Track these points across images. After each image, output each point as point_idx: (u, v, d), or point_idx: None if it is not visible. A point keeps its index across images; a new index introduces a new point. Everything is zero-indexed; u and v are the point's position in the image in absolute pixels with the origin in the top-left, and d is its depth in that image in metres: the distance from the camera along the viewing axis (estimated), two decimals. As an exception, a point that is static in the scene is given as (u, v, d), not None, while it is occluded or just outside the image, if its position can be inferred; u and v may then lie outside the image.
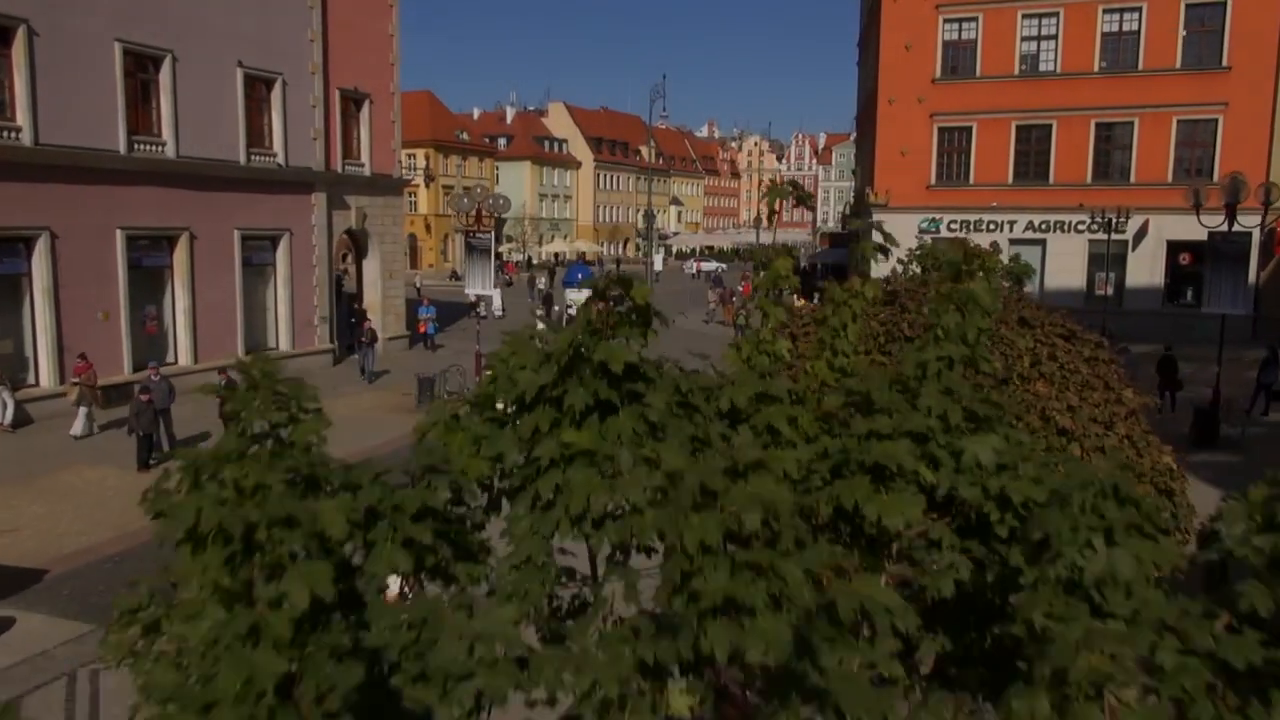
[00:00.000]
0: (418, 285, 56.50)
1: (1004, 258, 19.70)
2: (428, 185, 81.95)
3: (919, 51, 38.01)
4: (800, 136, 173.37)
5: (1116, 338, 33.60)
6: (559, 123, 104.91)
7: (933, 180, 38.56)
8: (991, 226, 37.87)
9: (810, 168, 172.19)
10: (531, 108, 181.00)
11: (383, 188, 30.09)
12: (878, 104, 39.18)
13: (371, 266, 30.13)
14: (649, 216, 60.90)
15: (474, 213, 24.81)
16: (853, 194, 64.28)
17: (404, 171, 33.52)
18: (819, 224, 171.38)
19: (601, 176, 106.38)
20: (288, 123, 25.58)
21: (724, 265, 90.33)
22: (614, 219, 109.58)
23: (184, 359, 23.26)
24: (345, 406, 22.47)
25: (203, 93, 23.06)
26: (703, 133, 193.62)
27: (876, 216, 39.26)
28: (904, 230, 37.08)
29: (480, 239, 24.60)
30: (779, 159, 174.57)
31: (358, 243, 30.05)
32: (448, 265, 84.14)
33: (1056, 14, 36.30)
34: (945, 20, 37.68)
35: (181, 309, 23.03)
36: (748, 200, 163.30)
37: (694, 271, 79.61)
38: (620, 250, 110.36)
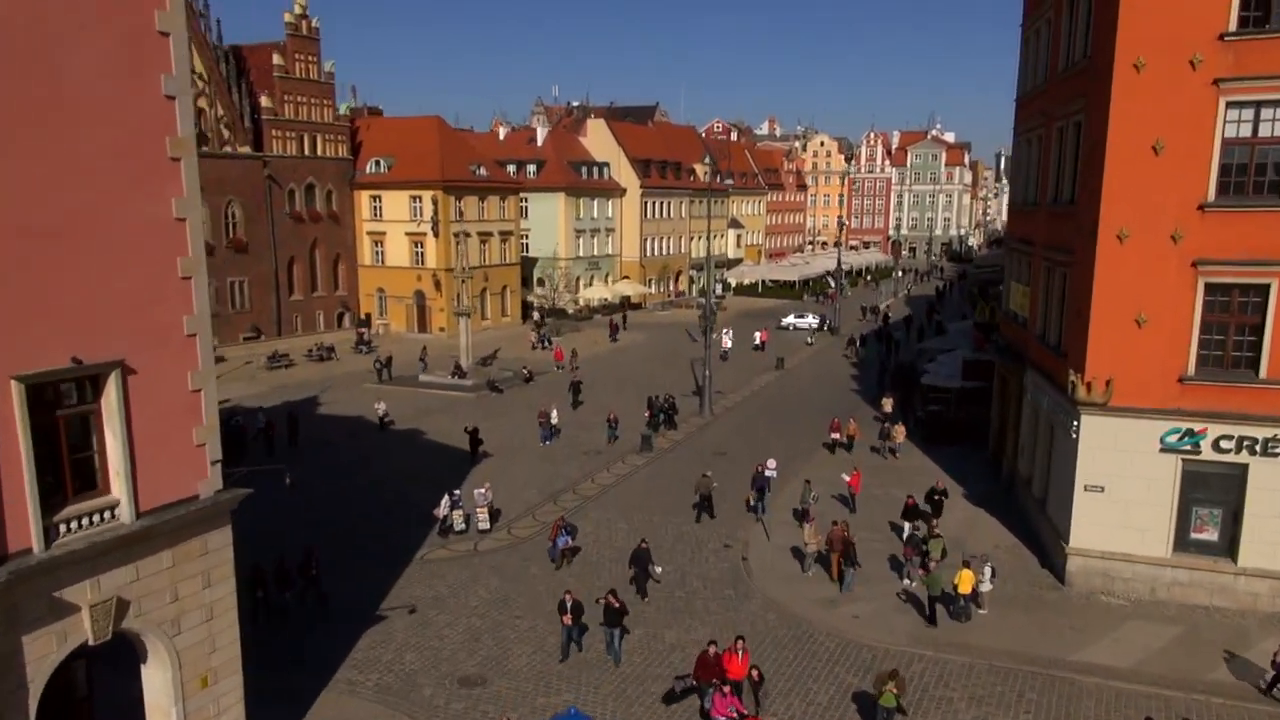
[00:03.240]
0: (380, 410, 41.79)
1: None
2: (435, 235, 67.42)
3: (1177, 154, 22.33)
4: (872, 136, 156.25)
5: None
6: (599, 143, 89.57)
7: (1190, 369, 22.92)
8: (1299, 455, 22.26)
9: (883, 169, 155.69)
10: (575, 103, 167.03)
11: (173, 531, 15.32)
12: (1095, 234, 23.59)
13: (158, 682, 15.16)
14: (708, 310, 45.60)
15: None
16: (989, 302, 47.94)
17: (219, 488, 16.89)
18: (890, 233, 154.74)
19: (649, 204, 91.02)
20: None
21: (810, 318, 74.41)
22: (663, 251, 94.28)
23: None
24: None
25: None
26: (762, 130, 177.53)
27: (1089, 420, 23.74)
28: (1137, 444, 20.39)
29: None
30: (848, 160, 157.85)
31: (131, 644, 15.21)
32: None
33: None
34: (1230, 104, 21.84)
35: None
36: (812, 208, 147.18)
37: (759, 343, 64.20)
38: (671, 288, 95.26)
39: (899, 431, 35.56)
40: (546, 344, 64.11)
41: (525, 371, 52.46)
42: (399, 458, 37.20)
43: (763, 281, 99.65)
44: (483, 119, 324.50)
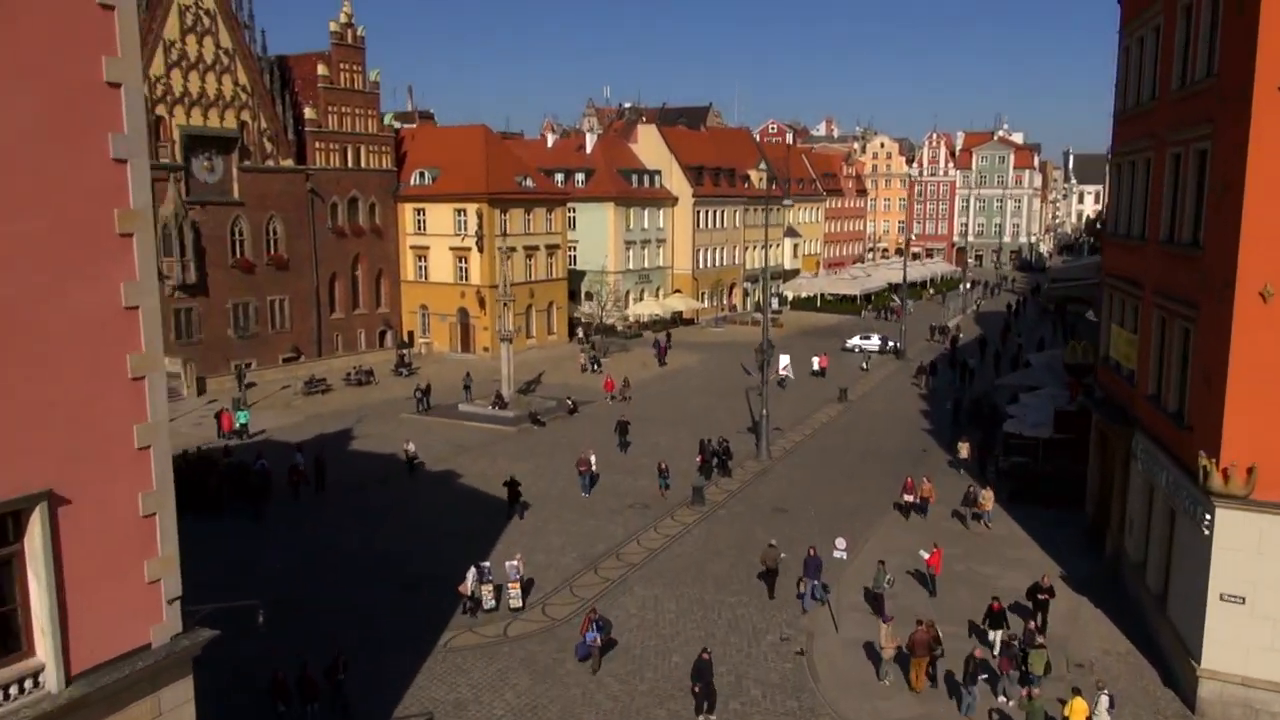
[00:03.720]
0: (409, 450, 39.09)
1: None
2: (480, 250, 64.77)
3: (1342, 203, 18.55)
4: (934, 137, 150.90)
5: None
6: (650, 149, 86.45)
7: (1358, 458, 19.09)
8: None
9: (946, 173, 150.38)
10: (627, 104, 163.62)
11: (116, 694, 12.40)
12: (1229, 290, 19.85)
13: None
14: (764, 344, 42.33)
15: None
16: (1080, 339, 43.54)
17: (178, 630, 12.91)
18: (955, 239, 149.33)
19: (701, 213, 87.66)
20: None
21: (875, 339, 69.91)
22: (716, 262, 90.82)
23: None
24: None
25: None
26: (819, 130, 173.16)
27: (1226, 514, 20.03)
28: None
29: None
30: (909, 162, 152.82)
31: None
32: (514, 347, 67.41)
33: None
34: None
35: None
36: (872, 213, 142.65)
37: (818, 369, 60.58)
38: (724, 301, 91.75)
39: (987, 498, 31.64)
40: (596, 367, 61.20)
41: (569, 402, 49.48)
42: (430, 509, 34.42)
43: (821, 295, 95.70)
44: (533, 122, 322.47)
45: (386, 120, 68.38)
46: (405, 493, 36.37)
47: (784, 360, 57.57)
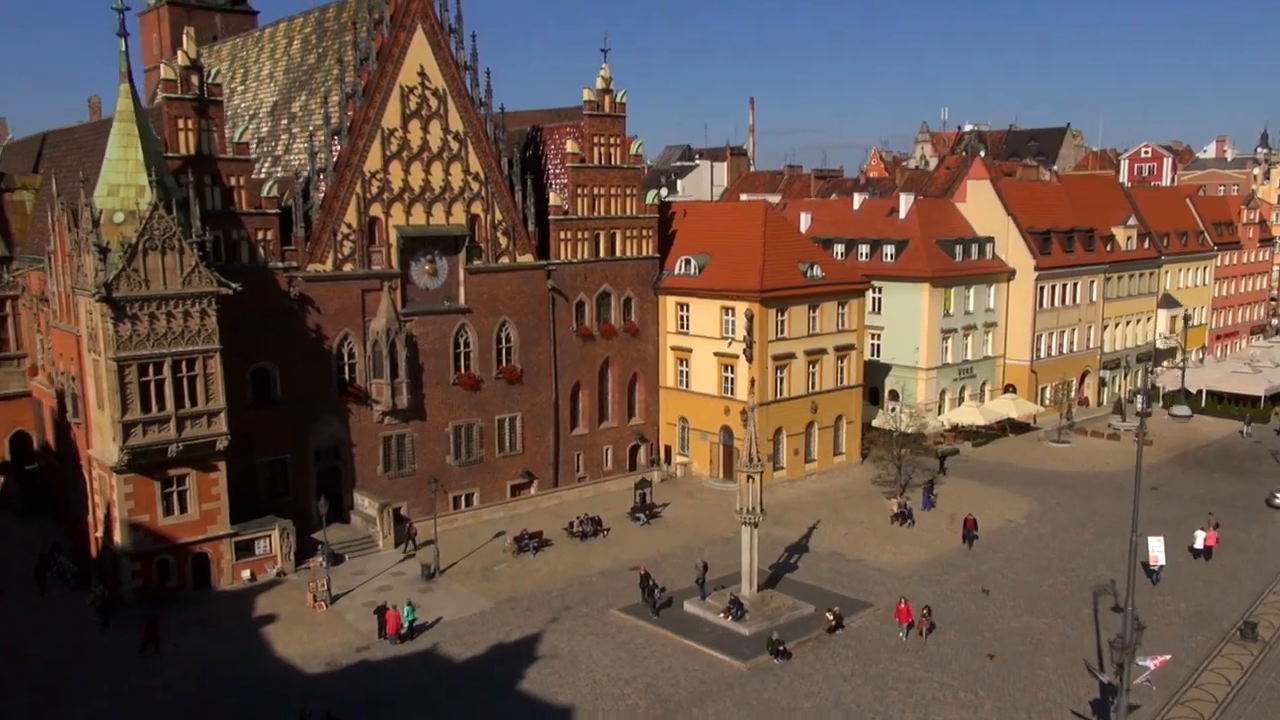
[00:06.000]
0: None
1: None
2: (749, 360, 52.77)
3: None
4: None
5: None
6: (980, 210, 69.92)
7: None
8: None
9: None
10: (968, 127, 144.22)
11: None
12: None
13: None
14: (1130, 646, 26.69)
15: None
16: None
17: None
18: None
19: (1046, 289, 69.78)
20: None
21: None
22: (1064, 349, 72.21)
23: None
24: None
25: None
26: (1207, 152, 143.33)
27: None
28: None
29: None
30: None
31: None
32: (787, 474, 55.32)
33: None
34: None
35: None
36: (1277, 254, 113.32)
37: (1201, 547, 42.25)
38: (1070, 399, 72.81)
39: None
40: (908, 520, 47.47)
41: (832, 617, 36.11)
42: None
43: (1206, 392, 73.76)
44: (858, 131, 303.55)
45: (650, 198, 58.19)
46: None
47: (1155, 549, 40.10)
